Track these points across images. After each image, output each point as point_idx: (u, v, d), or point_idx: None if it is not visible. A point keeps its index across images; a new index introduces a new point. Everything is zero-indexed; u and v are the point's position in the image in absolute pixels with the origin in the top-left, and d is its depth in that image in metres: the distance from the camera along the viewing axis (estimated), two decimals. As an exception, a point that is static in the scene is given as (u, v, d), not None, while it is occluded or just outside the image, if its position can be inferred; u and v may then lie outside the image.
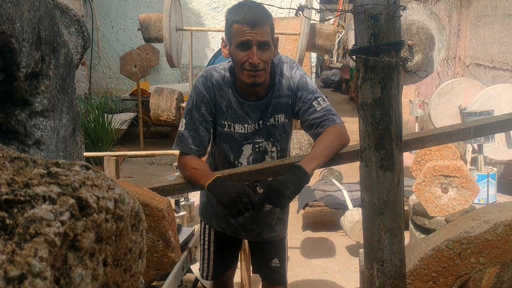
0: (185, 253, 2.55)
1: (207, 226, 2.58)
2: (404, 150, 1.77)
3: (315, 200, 5.00)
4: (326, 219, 5.36)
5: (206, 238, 2.59)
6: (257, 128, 2.24)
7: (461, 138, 1.72)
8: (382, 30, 1.24)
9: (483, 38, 5.26)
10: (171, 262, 1.61)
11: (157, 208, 1.56)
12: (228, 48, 2.11)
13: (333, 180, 5.39)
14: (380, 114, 1.30)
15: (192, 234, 2.74)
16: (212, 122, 2.23)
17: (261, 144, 2.27)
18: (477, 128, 1.73)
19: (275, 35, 2.12)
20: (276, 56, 2.23)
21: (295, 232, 5.13)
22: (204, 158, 2.49)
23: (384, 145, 1.31)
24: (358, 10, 1.23)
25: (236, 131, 2.24)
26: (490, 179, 3.69)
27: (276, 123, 2.25)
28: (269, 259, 2.61)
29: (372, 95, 1.30)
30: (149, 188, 1.81)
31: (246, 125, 2.23)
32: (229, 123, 2.23)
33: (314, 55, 9.62)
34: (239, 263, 3.46)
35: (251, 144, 2.26)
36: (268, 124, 2.24)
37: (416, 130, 6.82)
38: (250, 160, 2.27)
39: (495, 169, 3.86)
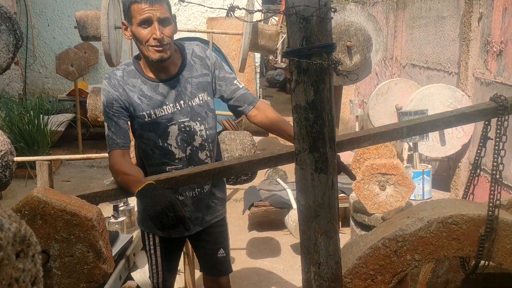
0: (123, 261, 2.46)
1: (150, 234, 2.50)
2: (340, 150, 1.78)
3: (261, 200, 5.00)
4: (271, 219, 5.38)
5: (151, 245, 2.51)
6: (179, 108, 2.28)
7: (394, 138, 1.75)
8: (314, 32, 1.23)
9: (418, 39, 5.47)
10: (103, 274, 1.52)
11: (86, 217, 1.47)
12: (129, 29, 2.16)
13: (278, 179, 5.42)
14: (313, 117, 1.29)
15: (130, 241, 2.64)
16: (128, 116, 2.26)
17: (186, 124, 2.31)
18: (409, 128, 1.76)
19: (173, 13, 2.23)
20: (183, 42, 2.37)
21: (241, 233, 5.11)
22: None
23: (318, 148, 1.31)
24: (289, 12, 1.21)
25: (158, 116, 2.27)
26: (425, 176, 3.83)
27: (201, 101, 2.33)
28: (215, 251, 2.60)
29: (305, 98, 1.29)
30: (80, 196, 1.70)
31: (165, 107, 2.27)
32: (148, 112, 2.26)
33: (258, 55, 9.65)
34: (182, 268, 3.39)
35: (176, 125, 2.29)
36: (193, 104, 2.31)
37: (357, 129, 7.01)
38: (179, 140, 2.31)
39: (429, 166, 4.02)
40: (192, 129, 2.32)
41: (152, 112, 2.26)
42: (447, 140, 4.20)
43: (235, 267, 4.34)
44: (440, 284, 2.47)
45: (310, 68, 1.25)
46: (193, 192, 2.39)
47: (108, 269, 1.50)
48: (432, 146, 4.21)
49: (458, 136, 4.19)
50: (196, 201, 2.42)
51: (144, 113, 2.25)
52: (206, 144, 2.36)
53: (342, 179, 5.40)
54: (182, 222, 1.80)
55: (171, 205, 1.78)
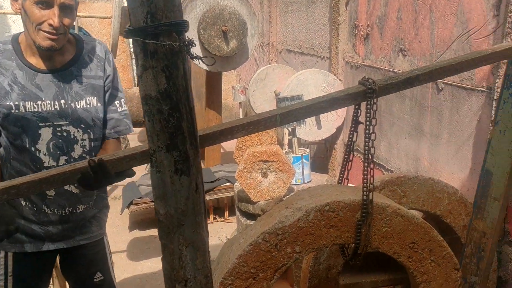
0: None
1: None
2: (213, 143, 1.59)
3: (141, 197, 4.68)
4: (153, 216, 5.08)
5: (1, 267, 2.11)
6: (57, 108, 1.95)
7: (269, 126, 1.63)
8: (160, 7, 1.01)
9: (291, 24, 5.52)
10: None
11: None
12: (21, 2, 1.81)
13: (159, 173, 5.11)
14: (168, 109, 1.08)
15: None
16: None
17: (64, 129, 1.96)
18: (282, 115, 1.65)
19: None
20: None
21: (120, 233, 4.74)
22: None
23: (177, 145, 1.10)
24: (128, -19, 0.98)
25: (28, 110, 1.90)
26: (304, 160, 3.86)
27: (88, 106, 2.00)
28: (90, 275, 2.27)
29: (156, 87, 1.07)
30: None
31: (39, 102, 1.92)
32: (17, 103, 1.89)
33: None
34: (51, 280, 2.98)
35: (51, 128, 1.94)
36: (77, 107, 1.98)
37: (241, 116, 6.95)
38: (51, 146, 1.95)
39: (307, 150, 4.06)
40: (72, 136, 1.98)
41: (21, 104, 1.88)
42: (323, 123, 4.28)
43: (115, 272, 4.01)
44: (323, 270, 2.45)
45: (159, 50, 1.04)
46: (63, 211, 2.07)
47: None
48: (310, 130, 4.26)
49: (332, 119, 4.29)
50: (64, 220, 2.10)
51: (11, 103, 1.87)
52: (88, 157, 2.01)
53: (227, 167, 5.30)
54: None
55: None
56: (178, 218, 1.14)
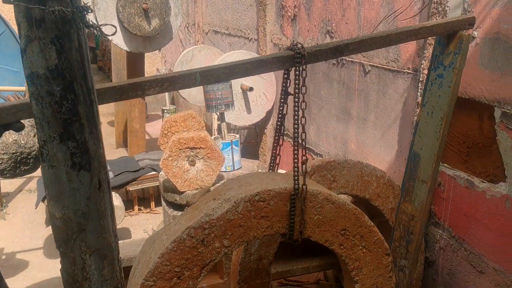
0: None
1: None
2: (119, 98, 1.35)
3: (57, 189, 4.30)
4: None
5: None
6: None
7: (187, 85, 1.47)
8: (42, -39, 0.80)
9: (217, 4, 5.32)
10: None
11: None
12: None
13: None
14: (60, 90, 0.88)
15: None
16: None
17: None
18: (203, 74, 1.50)
19: None
20: None
21: (36, 229, 4.35)
22: None
23: (73, 134, 0.91)
24: None
25: None
26: (233, 146, 3.72)
27: None
28: None
29: (44, 63, 0.87)
30: None
31: None
32: None
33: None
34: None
35: None
36: None
37: (167, 102, 6.66)
38: None
39: (237, 135, 3.93)
40: None
41: None
42: (252, 108, 4.16)
43: (30, 271, 3.66)
44: (254, 261, 2.35)
45: (47, 17, 0.83)
46: None
47: None
48: (239, 115, 4.13)
49: (262, 103, 4.19)
50: None
51: None
52: None
53: (153, 155, 5.04)
54: None
55: None
56: (78, 222, 0.95)
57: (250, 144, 4.96)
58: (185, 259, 1.74)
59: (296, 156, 1.80)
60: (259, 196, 1.80)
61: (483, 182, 2.14)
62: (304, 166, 1.79)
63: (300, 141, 1.78)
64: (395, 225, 2.24)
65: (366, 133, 3.00)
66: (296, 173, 1.76)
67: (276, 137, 1.99)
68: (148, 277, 1.71)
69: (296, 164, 1.79)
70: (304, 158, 1.78)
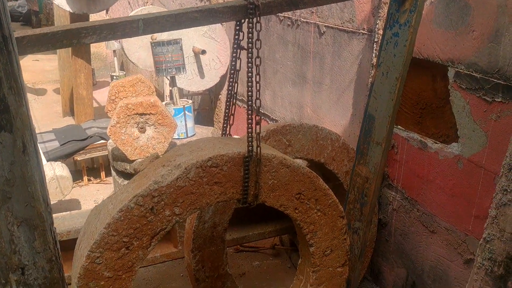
0: None
1: None
2: (49, 48, 1.21)
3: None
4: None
5: None
6: None
7: (128, 34, 1.35)
8: None
9: (168, -36, 5.05)
10: None
11: None
12: None
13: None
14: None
15: None
16: None
17: None
18: (146, 21, 1.38)
19: None
20: None
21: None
22: None
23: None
24: None
25: None
26: (186, 112, 3.60)
27: None
28: None
29: None
30: None
31: None
32: None
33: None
34: None
35: None
36: None
37: (116, 66, 6.37)
38: None
39: (190, 101, 3.80)
40: None
41: None
42: (206, 72, 4.02)
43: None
44: (208, 229, 2.29)
45: None
46: None
47: None
48: (192, 80, 3.99)
49: (216, 68, 4.06)
50: None
51: None
52: None
53: (101, 123, 4.82)
54: None
55: None
56: (2, 189, 0.84)
57: (204, 111, 4.84)
58: (134, 228, 1.65)
59: (250, 117, 1.72)
60: (212, 161, 1.72)
61: (436, 143, 2.15)
62: (258, 128, 1.71)
63: (254, 100, 1.70)
64: (350, 187, 2.23)
65: (321, 97, 2.96)
66: (250, 135, 1.69)
67: (229, 96, 1.90)
68: (94, 249, 1.61)
69: (250, 125, 1.71)
70: (258, 118, 1.70)
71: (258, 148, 1.72)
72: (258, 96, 1.70)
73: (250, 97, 1.70)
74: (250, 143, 1.68)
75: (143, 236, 1.67)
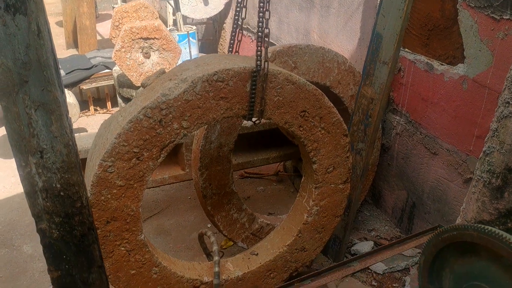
0: None
1: None
2: None
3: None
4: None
5: None
6: None
7: None
8: None
9: None
10: None
11: None
12: None
13: None
14: None
15: None
16: None
17: None
18: None
19: None
20: None
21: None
22: None
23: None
24: None
25: None
26: (190, 38, 3.56)
27: None
28: None
29: None
30: None
31: None
32: None
33: None
34: None
35: None
36: None
37: (117, -3, 6.22)
38: None
39: (194, 27, 3.74)
40: None
41: None
42: (210, -1, 3.94)
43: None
44: (214, 149, 2.34)
45: None
46: None
47: None
48: (195, 7, 3.91)
49: (221, -5, 3.97)
50: None
51: None
52: None
53: (105, 53, 4.79)
54: None
55: None
56: (18, 72, 0.86)
57: (208, 41, 4.78)
58: (143, 140, 1.70)
59: (260, 31, 1.71)
60: (217, 75, 1.73)
61: (442, 64, 2.15)
62: (266, 43, 1.71)
63: (263, 17, 1.69)
64: (354, 109, 2.26)
65: (328, 21, 2.91)
66: (259, 48, 1.69)
67: (236, 21, 1.88)
68: (106, 158, 1.66)
69: (259, 43, 1.71)
70: (266, 31, 1.69)
71: (266, 63, 1.73)
72: (268, 17, 1.69)
73: (260, 14, 1.68)
74: (258, 57, 1.69)
75: (152, 148, 1.72)
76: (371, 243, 2.49)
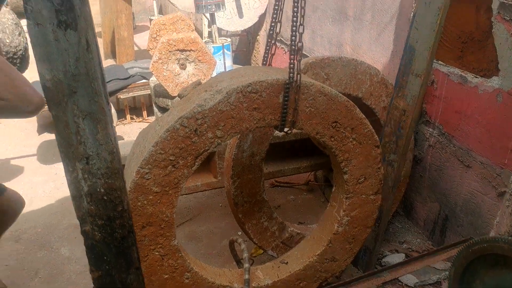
0: None
1: None
2: None
3: (47, 97, 4.26)
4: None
5: None
6: None
7: None
8: None
9: None
10: None
11: None
12: None
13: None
14: None
15: None
16: None
17: None
18: None
19: None
20: None
21: (29, 137, 4.37)
22: None
23: (57, -10, 0.86)
24: None
25: None
26: (225, 50, 3.64)
27: None
28: None
29: None
30: None
31: None
32: None
33: None
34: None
35: None
36: None
37: (155, 9, 6.42)
38: None
39: (229, 39, 3.83)
40: None
41: None
42: (244, 11, 4.02)
43: (26, 176, 3.73)
44: (246, 157, 2.39)
45: None
46: None
47: None
48: (230, 19, 4.00)
49: (255, 7, 4.04)
50: None
51: None
52: None
53: (142, 63, 4.94)
54: None
55: None
56: (68, 84, 0.93)
57: (242, 52, 4.87)
58: (179, 148, 1.76)
59: (294, 44, 1.75)
60: (251, 87, 1.79)
61: (476, 77, 2.13)
62: (299, 55, 1.76)
63: (297, 31, 1.73)
64: (386, 121, 2.27)
65: (361, 34, 2.93)
66: (292, 61, 1.74)
67: (270, 33, 1.93)
68: (144, 165, 1.73)
69: (292, 56, 1.75)
70: (300, 44, 1.74)
71: (298, 76, 1.77)
72: (302, 31, 1.73)
73: (294, 27, 1.73)
74: (291, 69, 1.73)
75: (187, 156, 1.79)
76: (402, 255, 2.47)
